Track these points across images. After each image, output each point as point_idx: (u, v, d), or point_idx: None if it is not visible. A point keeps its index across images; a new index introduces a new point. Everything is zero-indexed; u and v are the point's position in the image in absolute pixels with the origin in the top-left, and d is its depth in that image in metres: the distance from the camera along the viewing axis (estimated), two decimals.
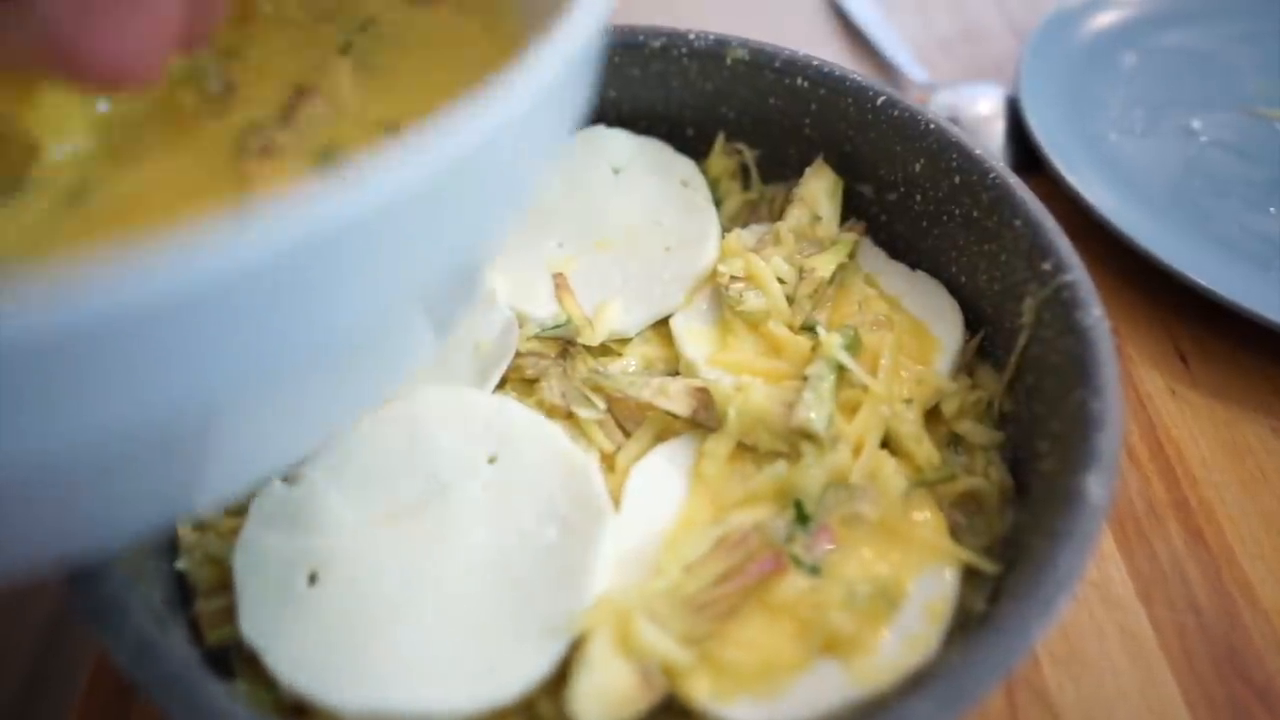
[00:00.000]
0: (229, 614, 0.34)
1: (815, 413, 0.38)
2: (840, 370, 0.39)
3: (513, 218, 0.24)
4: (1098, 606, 0.40)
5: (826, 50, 0.68)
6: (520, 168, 0.22)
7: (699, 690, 0.32)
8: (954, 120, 0.48)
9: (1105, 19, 0.65)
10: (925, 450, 0.38)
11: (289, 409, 0.22)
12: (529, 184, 0.24)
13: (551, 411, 0.40)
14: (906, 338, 0.43)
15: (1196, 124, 0.59)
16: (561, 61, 0.21)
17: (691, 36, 0.48)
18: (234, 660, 0.34)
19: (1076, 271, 0.37)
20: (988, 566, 0.35)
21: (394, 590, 0.34)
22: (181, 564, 0.36)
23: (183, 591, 0.35)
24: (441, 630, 0.33)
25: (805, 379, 0.39)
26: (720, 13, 0.73)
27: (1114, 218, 0.51)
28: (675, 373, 0.41)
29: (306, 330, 0.19)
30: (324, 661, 0.32)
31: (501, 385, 0.41)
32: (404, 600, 0.34)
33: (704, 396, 0.39)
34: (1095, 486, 0.31)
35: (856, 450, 0.38)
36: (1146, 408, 0.47)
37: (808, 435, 0.37)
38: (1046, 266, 0.38)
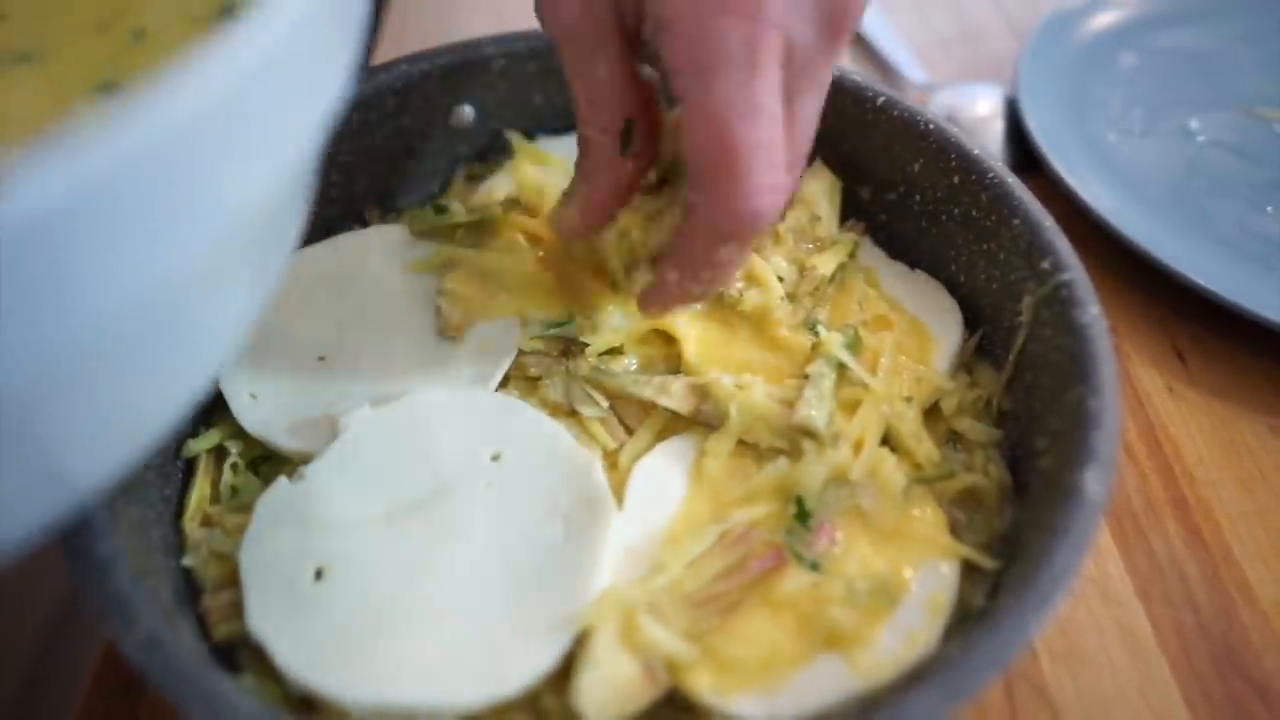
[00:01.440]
0: (236, 609, 0.34)
1: (816, 410, 0.38)
2: (841, 369, 0.40)
3: (294, 148, 0.23)
4: (1096, 603, 0.40)
5: None
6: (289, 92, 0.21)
7: (701, 684, 0.33)
8: (952, 120, 0.48)
9: (1104, 19, 0.65)
10: (925, 448, 0.39)
11: (117, 373, 0.21)
12: (307, 108, 0.23)
13: (554, 410, 0.40)
14: (905, 336, 0.43)
15: (1195, 124, 0.60)
16: None
17: None
18: (240, 655, 0.34)
19: (1075, 270, 0.38)
20: (987, 562, 0.35)
21: (399, 586, 0.34)
22: (188, 561, 0.36)
23: (189, 588, 0.35)
24: (446, 626, 0.33)
25: (806, 377, 0.40)
26: None
27: (1112, 217, 0.51)
28: (676, 371, 0.41)
29: (123, 276, 0.18)
30: (330, 656, 0.32)
31: (504, 384, 0.41)
32: (409, 596, 0.34)
33: (704, 394, 0.39)
34: (1093, 483, 0.31)
35: (857, 448, 0.38)
36: (1144, 406, 0.47)
37: (809, 432, 0.38)
38: (1045, 265, 0.39)
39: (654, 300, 0.38)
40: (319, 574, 0.35)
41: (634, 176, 0.38)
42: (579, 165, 0.38)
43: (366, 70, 0.46)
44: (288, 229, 0.28)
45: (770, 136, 0.31)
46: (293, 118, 0.22)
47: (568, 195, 0.39)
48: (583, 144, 0.37)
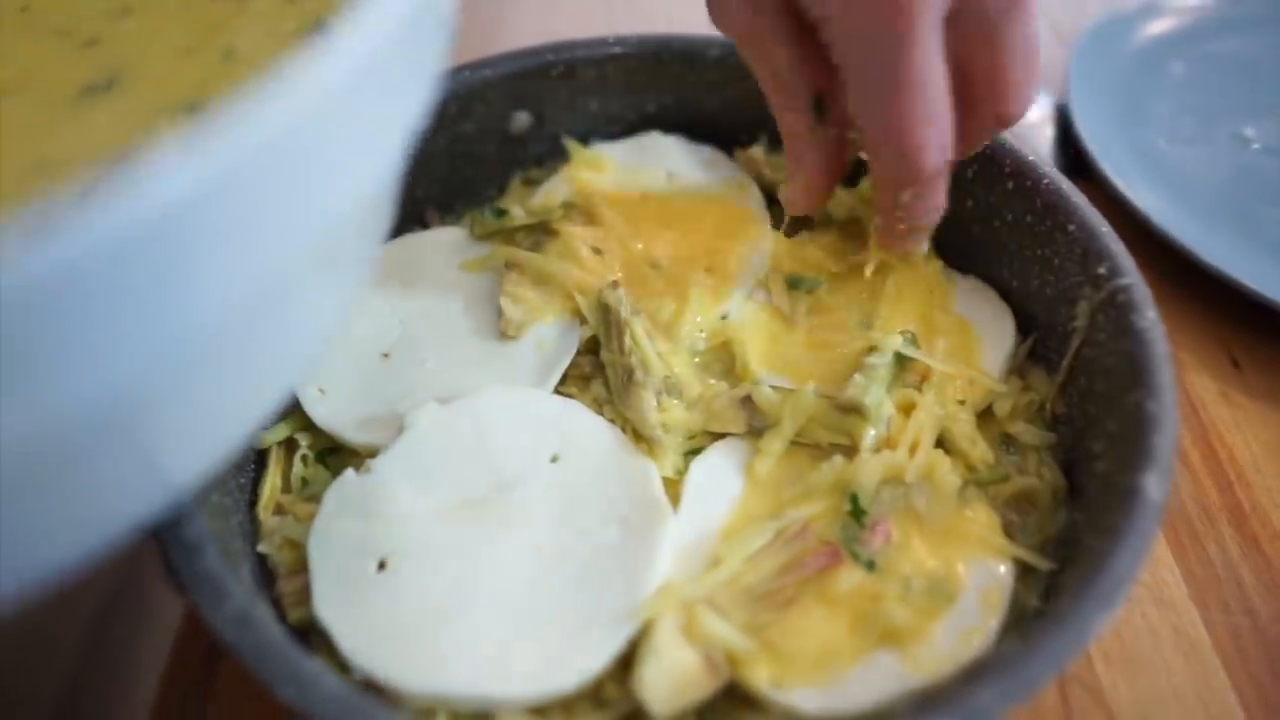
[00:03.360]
0: (308, 595, 0.35)
1: (865, 390, 0.38)
2: (898, 366, 0.40)
3: (384, 157, 0.24)
4: (1150, 608, 0.40)
5: None
6: (382, 104, 0.22)
7: (760, 677, 0.33)
8: None
9: (1156, 27, 0.65)
10: (979, 450, 0.39)
11: (217, 374, 0.22)
12: (395, 119, 0.23)
13: (606, 407, 0.41)
14: (958, 340, 0.43)
15: (1249, 131, 0.59)
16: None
17: None
18: (312, 640, 0.35)
19: (1132, 275, 0.38)
20: (1042, 564, 0.36)
21: (459, 579, 0.35)
22: (263, 547, 0.37)
23: (265, 573, 0.37)
24: (504, 620, 0.34)
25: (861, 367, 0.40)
26: None
27: (1165, 223, 0.51)
28: (730, 369, 0.42)
29: (211, 292, 0.19)
30: (391, 645, 0.33)
31: (562, 382, 0.42)
32: (468, 589, 0.35)
33: (753, 406, 0.40)
34: (1153, 486, 0.32)
35: (912, 449, 0.38)
36: (1199, 412, 0.47)
37: (855, 409, 0.38)
38: (1101, 271, 0.39)
39: (882, 242, 0.42)
40: (382, 565, 0.36)
41: (841, 145, 0.40)
42: (787, 149, 0.41)
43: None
44: (374, 233, 0.29)
45: (931, 97, 0.33)
46: (382, 127, 0.23)
47: (790, 184, 0.42)
48: (783, 128, 0.40)
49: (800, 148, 0.40)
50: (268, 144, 0.18)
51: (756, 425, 0.40)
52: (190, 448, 0.23)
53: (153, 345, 0.19)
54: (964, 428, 0.40)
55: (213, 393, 0.22)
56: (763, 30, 0.37)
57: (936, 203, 0.38)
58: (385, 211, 0.29)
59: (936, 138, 0.34)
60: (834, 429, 0.39)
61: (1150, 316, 0.36)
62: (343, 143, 0.21)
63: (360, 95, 0.20)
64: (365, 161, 0.23)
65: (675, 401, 0.40)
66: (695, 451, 0.40)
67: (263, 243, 0.20)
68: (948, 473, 0.38)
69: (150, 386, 0.20)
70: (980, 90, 0.36)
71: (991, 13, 0.34)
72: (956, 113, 0.36)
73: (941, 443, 0.40)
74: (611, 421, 0.40)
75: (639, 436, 0.39)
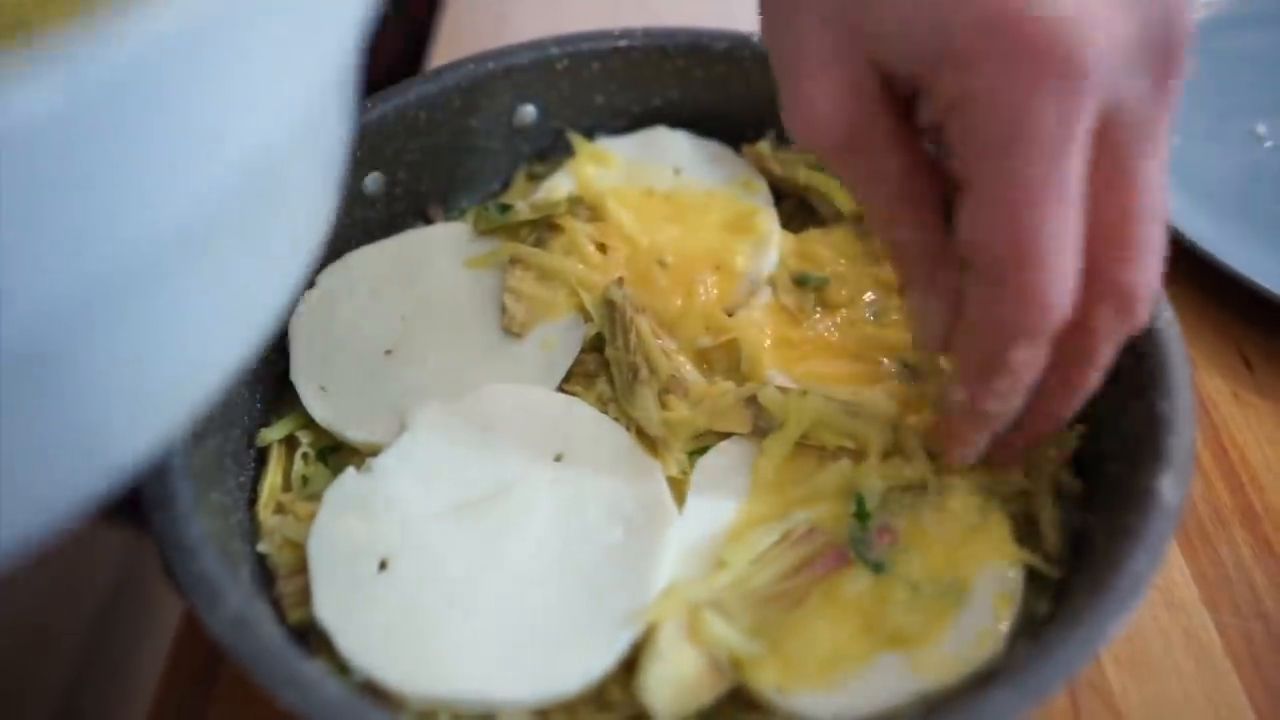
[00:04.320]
0: (308, 595, 0.35)
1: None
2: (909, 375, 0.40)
3: (319, 63, 0.20)
4: (1161, 610, 0.40)
5: None
6: None
7: (765, 681, 0.33)
8: None
9: None
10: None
11: (149, 322, 0.19)
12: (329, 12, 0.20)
13: (611, 405, 0.41)
14: None
15: (1262, 128, 0.59)
16: None
17: (754, 40, 0.48)
18: (312, 640, 0.35)
19: None
20: (1052, 571, 0.35)
21: (461, 580, 0.35)
22: (263, 547, 0.37)
23: (265, 573, 0.36)
24: (506, 621, 0.34)
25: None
26: None
27: (1177, 222, 0.51)
28: (736, 367, 0.41)
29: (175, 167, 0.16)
30: (391, 646, 0.33)
31: (567, 380, 0.42)
32: (470, 590, 0.34)
33: (758, 406, 0.39)
34: (1168, 488, 0.31)
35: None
36: (1210, 413, 0.47)
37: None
38: None
39: (951, 435, 0.34)
40: (383, 565, 0.35)
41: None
42: (910, 276, 0.33)
43: (430, 71, 0.47)
44: (326, 172, 0.26)
45: (1066, 224, 0.27)
46: (305, 37, 0.19)
47: (917, 314, 0.34)
48: (901, 256, 0.33)
49: (929, 269, 0.32)
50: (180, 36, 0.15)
51: (762, 426, 0.39)
52: (128, 411, 0.21)
53: (69, 278, 0.16)
54: None
55: (145, 345, 0.20)
56: (872, 135, 0.30)
57: (1031, 381, 0.31)
58: (337, 145, 0.26)
59: (1067, 275, 0.28)
60: (841, 432, 0.38)
61: (1165, 317, 0.36)
62: (264, 42, 0.18)
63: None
64: (298, 65, 0.19)
65: (680, 401, 0.39)
66: (701, 451, 0.39)
67: (186, 161, 0.17)
68: (958, 501, 0.37)
69: (74, 328, 0.17)
70: (1100, 248, 0.29)
71: (1134, 136, 0.28)
72: None
73: None
74: (616, 420, 0.40)
75: (643, 435, 0.39)
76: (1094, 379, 0.32)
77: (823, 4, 0.29)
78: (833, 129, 0.30)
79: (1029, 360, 0.30)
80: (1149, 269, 0.29)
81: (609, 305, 0.41)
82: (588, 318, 0.42)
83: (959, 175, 0.29)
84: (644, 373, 0.39)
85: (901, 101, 0.30)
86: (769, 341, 0.42)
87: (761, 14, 0.32)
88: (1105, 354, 0.31)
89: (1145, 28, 0.27)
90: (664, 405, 0.39)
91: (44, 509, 0.20)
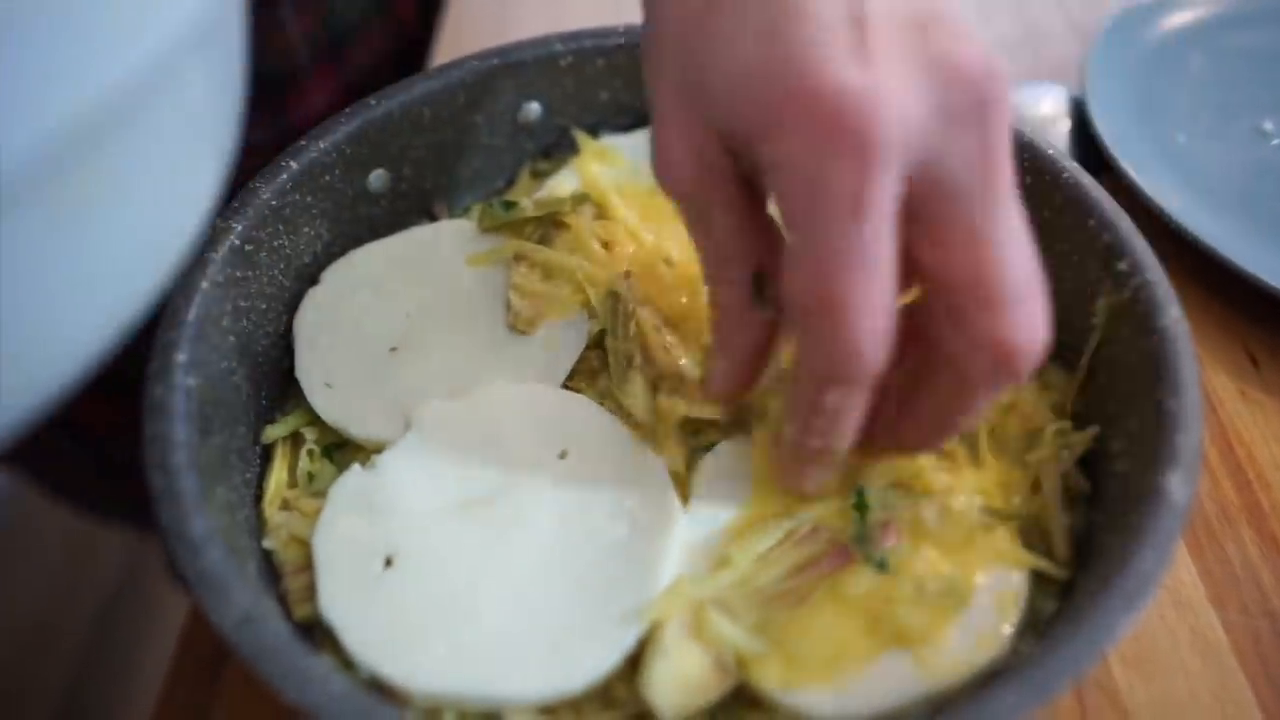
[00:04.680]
0: (313, 592, 0.35)
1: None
2: None
3: None
4: (1168, 609, 0.40)
5: None
6: None
7: (769, 679, 0.33)
8: (1016, 120, 0.48)
9: (1175, 20, 0.64)
10: (997, 469, 0.38)
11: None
12: None
13: (607, 399, 0.41)
14: None
15: (1269, 125, 0.59)
16: None
17: None
18: (318, 637, 0.35)
19: (1154, 272, 0.37)
20: (1059, 572, 0.35)
21: (465, 577, 0.35)
22: (269, 543, 0.37)
23: (271, 569, 0.36)
24: (511, 619, 0.34)
25: None
26: None
27: (1182, 218, 0.51)
28: None
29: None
30: (397, 643, 0.33)
31: (571, 377, 0.42)
32: (475, 588, 0.34)
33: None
34: (1177, 486, 0.31)
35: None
36: (1217, 411, 0.47)
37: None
38: (1122, 267, 0.38)
39: (784, 467, 0.36)
40: (388, 562, 0.35)
41: (773, 333, 0.35)
42: (714, 327, 0.36)
43: (434, 68, 0.47)
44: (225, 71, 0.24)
45: (870, 281, 0.28)
46: None
47: (710, 361, 0.37)
48: (714, 304, 0.35)
49: (730, 327, 0.35)
50: None
51: (747, 414, 0.39)
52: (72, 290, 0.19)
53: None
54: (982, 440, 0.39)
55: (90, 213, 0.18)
56: (708, 191, 0.32)
57: (852, 422, 0.32)
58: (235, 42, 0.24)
59: (875, 329, 0.29)
60: None
61: (1173, 314, 0.36)
62: None
63: None
64: None
65: (680, 400, 0.39)
66: (707, 447, 0.39)
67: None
68: (963, 502, 0.37)
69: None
70: (963, 302, 0.29)
71: (967, 195, 0.29)
72: (939, 340, 0.31)
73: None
74: (611, 411, 0.39)
75: (636, 425, 0.39)
76: (965, 420, 0.33)
77: (674, 63, 0.31)
78: (680, 180, 0.32)
79: (843, 404, 0.31)
80: (1023, 321, 0.29)
81: (613, 296, 0.41)
82: (592, 315, 0.42)
83: (787, 230, 0.30)
84: (637, 359, 0.39)
85: (746, 169, 0.32)
86: None
87: (642, 45, 0.34)
88: (981, 401, 0.32)
89: (954, 96, 0.28)
90: (665, 399, 0.39)
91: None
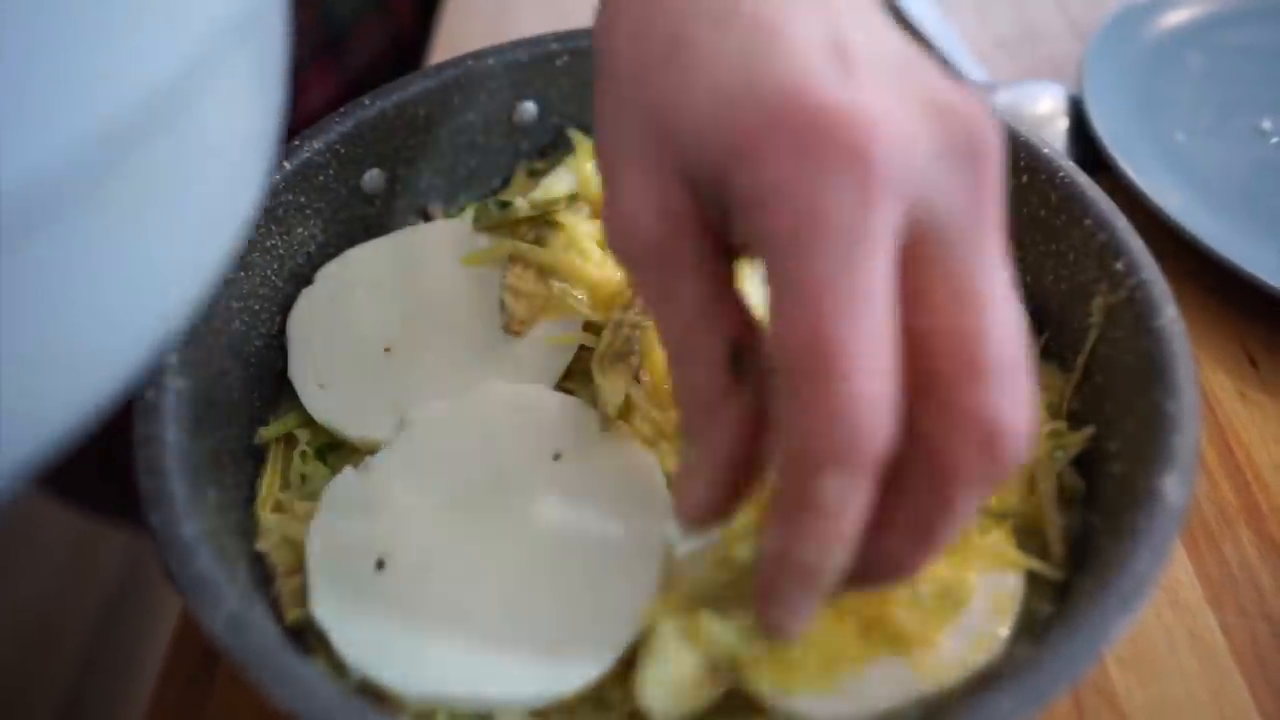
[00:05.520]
0: (305, 594, 0.35)
1: None
2: None
3: None
4: (1165, 610, 0.40)
5: None
6: None
7: (764, 682, 0.33)
8: (1013, 119, 0.47)
9: (1173, 18, 0.64)
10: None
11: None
12: None
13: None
14: None
15: (1267, 124, 0.58)
16: None
17: None
18: (310, 639, 0.35)
19: (1150, 271, 0.37)
20: (1055, 573, 0.35)
21: (459, 579, 0.35)
22: (261, 545, 0.37)
23: (263, 572, 0.36)
24: (503, 621, 0.34)
25: None
26: None
27: (1181, 218, 0.50)
28: None
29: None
30: (389, 646, 0.33)
31: (565, 378, 0.41)
32: (468, 589, 0.34)
33: None
34: (1173, 488, 0.31)
35: None
36: (1215, 411, 0.46)
37: None
38: (1119, 267, 0.38)
39: (765, 597, 0.29)
40: (380, 564, 0.35)
41: (759, 418, 0.28)
42: (685, 422, 0.29)
43: (429, 67, 0.47)
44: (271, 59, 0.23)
45: (874, 331, 0.24)
46: None
47: (685, 473, 0.30)
48: (685, 393, 0.29)
49: (706, 417, 0.28)
50: None
51: None
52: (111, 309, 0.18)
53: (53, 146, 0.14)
54: None
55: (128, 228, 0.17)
56: (675, 247, 0.27)
57: (853, 523, 0.26)
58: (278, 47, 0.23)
59: (879, 390, 0.24)
60: None
61: (1169, 314, 0.36)
62: None
63: None
64: None
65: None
66: None
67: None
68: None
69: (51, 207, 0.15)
70: (946, 378, 0.25)
71: (958, 251, 0.25)
72: (912, 426, 0.25)
73: None
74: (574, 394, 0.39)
75: (607, 416, 0.38)
76: (949, 528, 0.27)
77: (634, 109, 0.28)
78: (641, 238, 0.27)
79: (843, 495, 0.25)
80: (1009, 396, 0.25)
81: (616, 325, 0.41)
82: (586, 316, 0.42)
83: (768, 279, 0.25)
84: (634, 360, 0.39)
85: (715, 223, 0.27)
86: None
87: (594, 100, 0.30)
88: (966, 502, 0.26)
89: (946, 134, 0.25)
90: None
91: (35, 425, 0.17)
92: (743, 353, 0.28)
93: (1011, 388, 0.25)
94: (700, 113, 0.26)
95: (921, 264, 0.25)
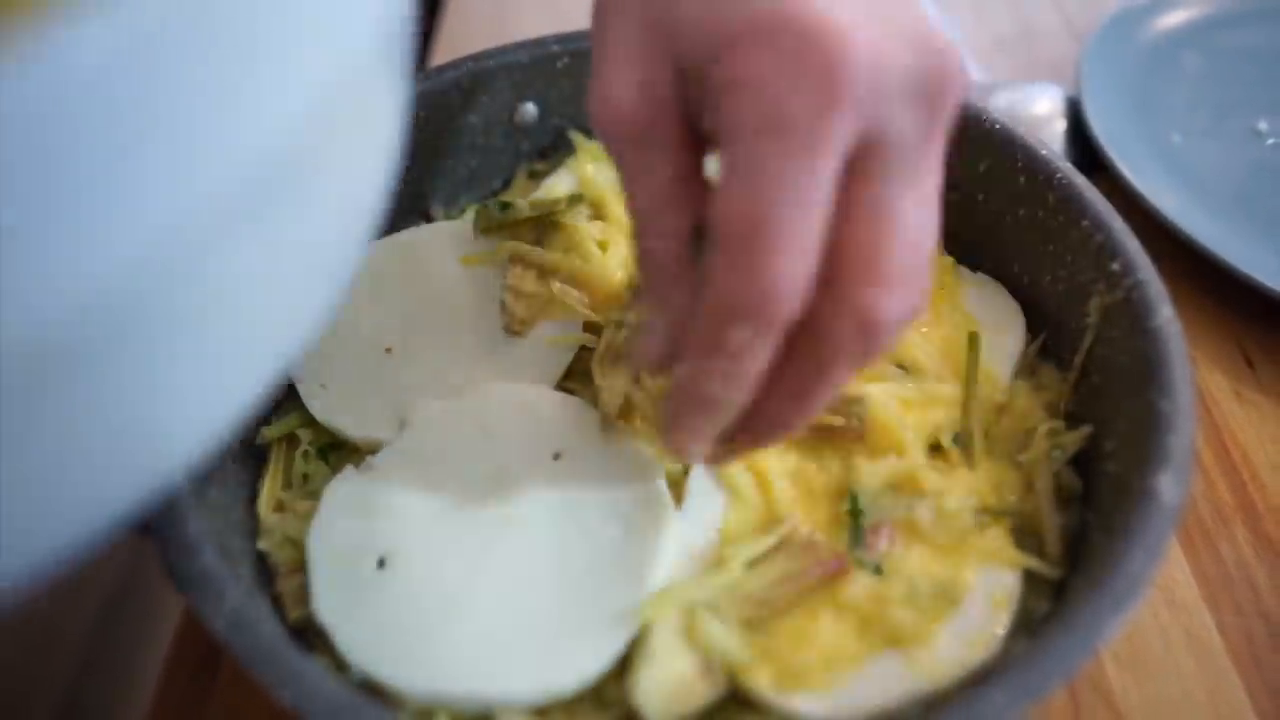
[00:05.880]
0: (307, 593, 0.35)
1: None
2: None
3: None
4: (1162, 609, 0.40)
5: None
6: None
7: (761, 682, 0.33)
8: (1011, 119, 0.47)
9: (1170, 19, 0.64)
10: (993, 469, 0.38)
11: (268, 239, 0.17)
12: None
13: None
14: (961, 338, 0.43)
15: (1263, 125, 0.59)
16: None
17: None
18: (312, 638, 0.35)
19: (1146, 272, 0.37)
20: (1051, 571, 0.35)
21: (459, 578, 0.35)
22: (263, 545, 0.37)
23: (265, 571, 0.36)
24: (504, 619, 0.34)
25: None
26: None
27: (1178, 219, 0.51)
28: None
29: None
30: (390, 644, 0.33)
31: (566, 378, 0.42)
32: (468, 588, 0.34)
33: None
34: (1168, 487, 0.31)
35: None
36: (1211, 411, 0.47)
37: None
38: (1115, 267, 0.38)
39: (670, 418, 0.33)
40: (381, 563, 0.35)
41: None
42: (648, 289, 0.33)
43: (431, 69, 0.47)
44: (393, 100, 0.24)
45: (805, 221, 0.27)
46: None
47: (643, 329, 0.34)
48: (647, 261, 0.32)
49: (667, 283, 0.32)
50: None
51: None
52: (184, 402, 0.19)
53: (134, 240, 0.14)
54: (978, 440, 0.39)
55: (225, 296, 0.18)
56: (652, 128, 0.30)
57: (753, 370, 0.30)
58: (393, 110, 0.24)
59: (796, 270, 0.28)
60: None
61: (1165, 314, 0.36)
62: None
63: None
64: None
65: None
66: None
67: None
68: (956, 502, 0.37)
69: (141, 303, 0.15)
70: (847, 271, 0.29)
71: (893, 170, 0.28)
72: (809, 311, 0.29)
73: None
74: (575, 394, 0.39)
75: (606, 415, 0.38)
76: (822, 393, 0.31)
77: (630, 2, 0.31)
78: (623, 119, 0.30)
79: (748, 345, 0.29)
80: (897, 300, 0.29)
81: (616, 325, 0.41)
82: (586, 316, 0.42)
83: (722, 159, 0.29)
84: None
85: (692, 112, 0.30)
86: None
87: (591, 9, 0.33)
88: (838, 372, 0.30)
89: (917, 63, 0.28)
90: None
91: (86, 519, 0.18)
92: (704, 232, 0.30)
93: (900, 295, 0.29)
94: (701, 9, 0.29)
95: (856, 176, 0.28)
